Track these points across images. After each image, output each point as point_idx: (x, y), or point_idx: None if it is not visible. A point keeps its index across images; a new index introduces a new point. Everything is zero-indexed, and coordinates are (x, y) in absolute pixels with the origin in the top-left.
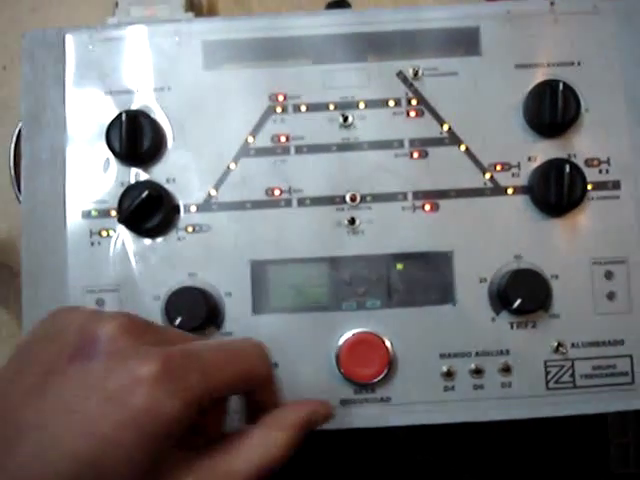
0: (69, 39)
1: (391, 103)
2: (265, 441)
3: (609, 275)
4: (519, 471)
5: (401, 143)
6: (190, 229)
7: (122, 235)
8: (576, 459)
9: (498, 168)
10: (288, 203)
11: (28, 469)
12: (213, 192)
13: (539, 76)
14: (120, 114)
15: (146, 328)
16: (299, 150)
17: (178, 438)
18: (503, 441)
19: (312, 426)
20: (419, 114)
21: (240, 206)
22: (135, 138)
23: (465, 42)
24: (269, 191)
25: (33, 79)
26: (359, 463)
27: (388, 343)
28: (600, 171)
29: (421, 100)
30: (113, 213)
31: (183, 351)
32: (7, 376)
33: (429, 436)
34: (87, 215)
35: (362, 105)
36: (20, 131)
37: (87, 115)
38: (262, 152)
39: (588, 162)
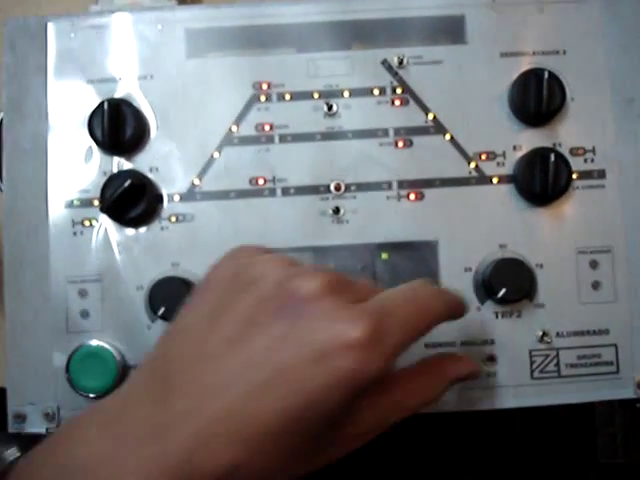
0: (51, 27)
1: (376, 92)
2: (429, 384)
3: (594, 264)
4: (506, 460)
5: (386, 132)
6: (173, 219)
7: (105, 225)
8: (563, 449)
9: (483, 157)
10: (272, 192)
11: (231, 419)
12: (197, 181)
13: (524, 65)
14: (102, 103)
15: (345, 286)
16: (283, 139)
17: None
18: (489, 430)
19: (459, 382)
20: (404, 103)
21: (224, 195)
22: (117, 127)
23: (450, 30)
24: (253, 180)
25: (15, 68)
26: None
27: None
28: (585, 160)
29: (406, 89)
30: (96, 203)
31: (384, 310)
32: (202, 323)
33: (414, 425)
34: (69, 205)
35: (346, 94)
36: (1, 120)
37: (69, 104)
38: (246, 141)
39: (573, 151)
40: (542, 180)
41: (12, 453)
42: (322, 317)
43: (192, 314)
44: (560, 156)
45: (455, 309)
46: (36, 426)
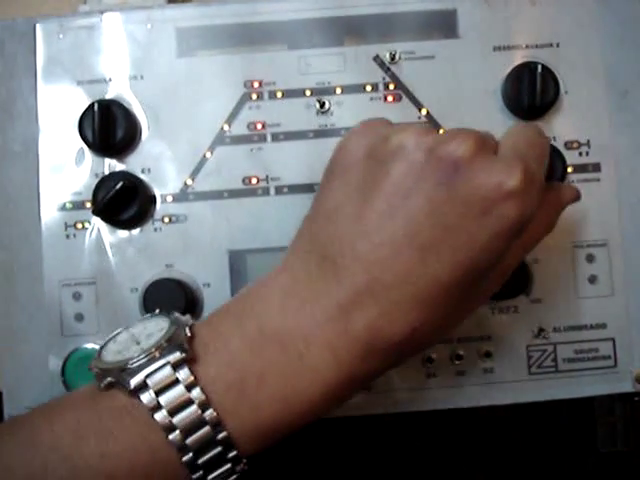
0: (39, 28)
1: (368, 88)
2: (549, 214)
3: (590, 258)
4: (505, 451)
5: None
6: (167, 220)
7: (98, 227)
8: (563, 438)
9: None
10: (266, 191)
11: (406, 285)
12: (189, 182)
13: (517, 58)
14: (92, 104)
15: (484, 141)
16: (276, 137)
17: None
18: (488, 421)
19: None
20: (397, 99)
21: (217, 195)
22: (108, 128)
23: (442, 25)
24: (246, 180)
25: (3, 69)
26: (353, 452)
27: None
28: (580, 153)
29: (398, 84)
30: (88, 205)
31: (522, 156)
32: (352, 202)
33: (411, 419)
34: (62, 207)
35: (339, 90)
36: None
37: (59, 105)
38: (238, 140)
39: (568, 145)
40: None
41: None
42: (480, 174)
43: (336, 197)
44: (555, 150)
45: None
46: None
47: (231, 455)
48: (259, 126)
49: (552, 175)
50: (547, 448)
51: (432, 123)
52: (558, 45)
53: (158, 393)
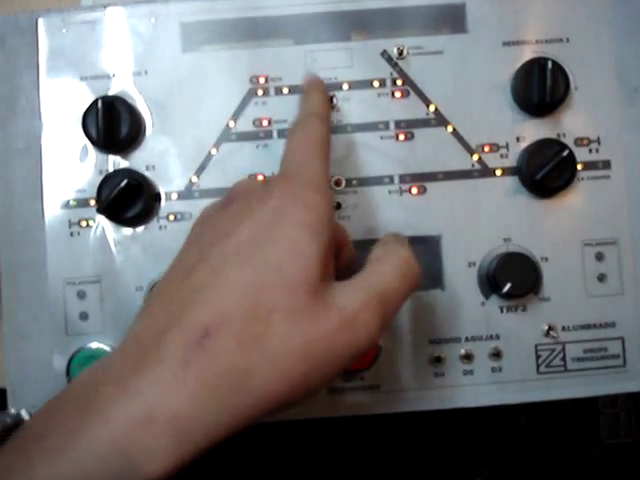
0: (41, 23)
1: (375, 84)
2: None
3: (600, 256)
4: (508, 443)
5: (386, 125)
6: (172, 217)
7: (102, 225)
8: (566, 429)
9: (486, 149)
10: None
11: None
12: (194, 179)
13: (527, 54)
14: (96, 100)
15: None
16: (282, 134)
17: None
18: (491, 413)
19: None
20: (404, 95)
21: (223, 193)
22: (112, 125)
23: (451, 19)
24: (252, 177)
25: (5, 65)
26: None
27: None
28: (590, 150)
29: (406, 80)
30: (92, 202)
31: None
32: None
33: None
34: (66, 205)
35: (346, 86)
36: None
37: (62, 101)
38: (244, 136)
39: (578, 141)
40: (547, 173)
41: None
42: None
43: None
44: (565, 147)
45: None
46: None
47: None
48: (265, 122)
49: (562, 175)
50: (550, 440)
51: (440, 119)
52: (568, 40)
53: None
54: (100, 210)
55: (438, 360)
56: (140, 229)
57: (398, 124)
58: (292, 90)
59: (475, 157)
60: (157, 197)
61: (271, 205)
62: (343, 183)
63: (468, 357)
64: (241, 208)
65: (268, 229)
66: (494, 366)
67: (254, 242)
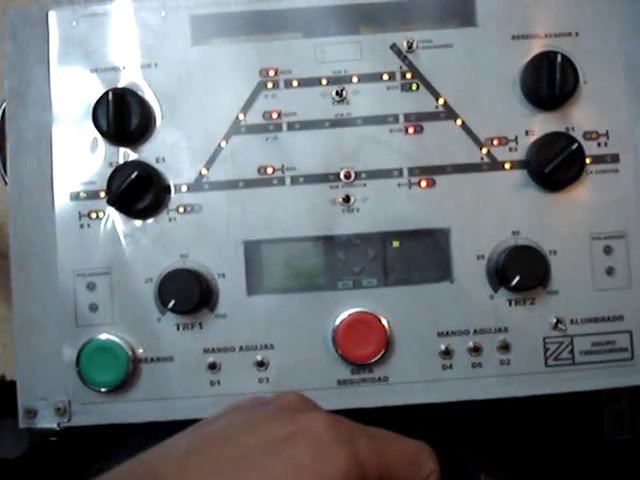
0: (52, 15)
1: (385, 77)
2: None
3: (608, 250)
4: (513, 438)
5: (396, 118)
6: (181, 209)
7: (112, 217)
8: (570, 426)
9: (495, 142)
10: (281, 181)
11: None
12: (204, 171)
13: (536, 47)
14: (107, 92)
15: None
16: (291, 127)
17: None
18: (496, 408)
19: None
20: (414, 88)
21: (232, 185)
22: (123, 117)
23: (460, 13)
24: (261, 169)
25: (17, 57)
26: None
27: (385, 322)
28: (599, 144)
29: (416, 73)
30: (102, 194)
31: None
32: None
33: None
34: (76, 197)
35: (355, 79)
36: (4, 111)
37: (73, 94)
38: (253, 129)
39: (587, 135)
40: (555, 166)
41: None
42: None
43: None
44: (574, 141)
45: None
46: (47, 421)
47: None
48: (275, 115)
49: (571, 168)
50: (555, 435)
51: (449, 112)
52: (577, 34)
53: None
54: (110, 202)
55: (446, 352)
56: (150, 221)
57: (407, 117)
58: (302, 83)
59: (484, 150)
60: (167, 189)
61: None
62: (352, 176)
63: (476, 350)
64: None
65: None
66: (502, 359)
67: None
